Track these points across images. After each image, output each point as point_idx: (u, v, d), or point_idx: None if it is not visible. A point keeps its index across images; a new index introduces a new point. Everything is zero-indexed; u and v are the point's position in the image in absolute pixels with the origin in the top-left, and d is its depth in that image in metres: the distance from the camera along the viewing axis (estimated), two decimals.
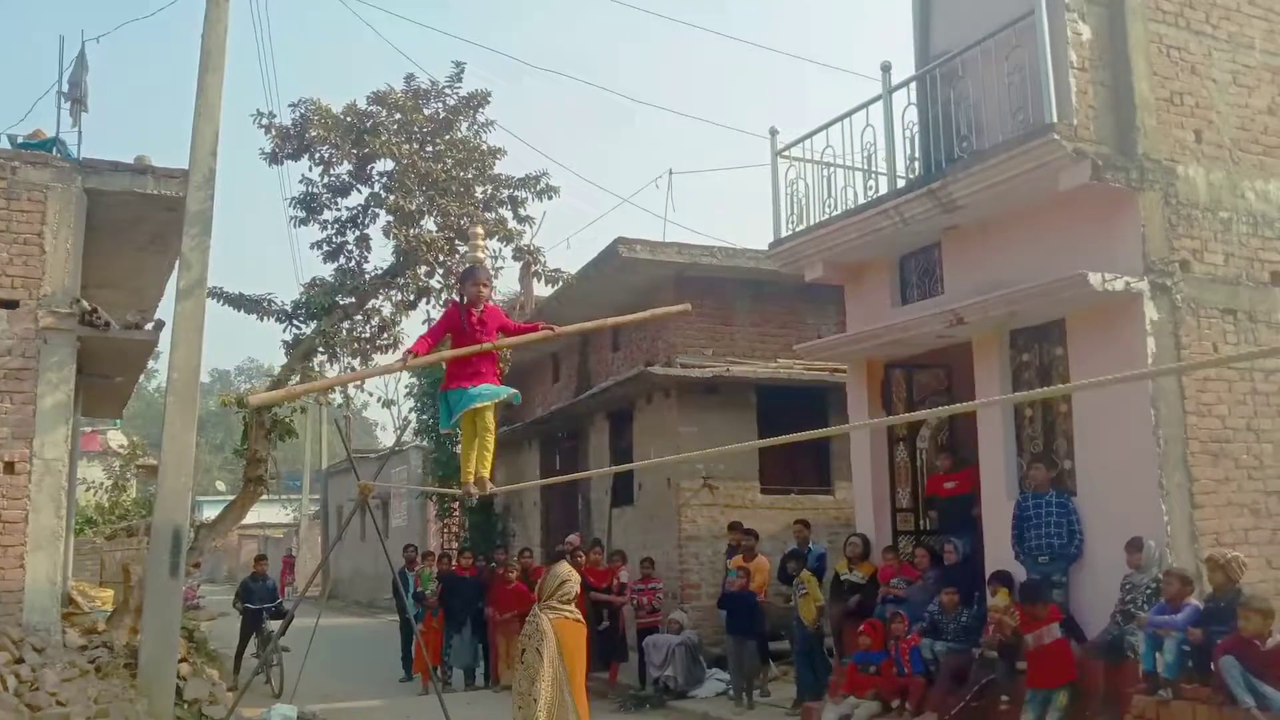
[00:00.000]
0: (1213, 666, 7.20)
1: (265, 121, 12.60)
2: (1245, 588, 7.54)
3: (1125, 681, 7.92)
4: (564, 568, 6.29)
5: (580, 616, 6.10)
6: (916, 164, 10.45)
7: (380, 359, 13.20)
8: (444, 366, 6.19)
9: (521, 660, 5.75)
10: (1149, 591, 7.99)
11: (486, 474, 6.18)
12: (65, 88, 11.49)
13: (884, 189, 10.53)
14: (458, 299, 6.29)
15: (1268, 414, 8.91)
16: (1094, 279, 8.35)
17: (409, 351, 5.93)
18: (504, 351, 6.48)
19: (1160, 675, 7.53)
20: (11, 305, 9.94)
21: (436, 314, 13.61)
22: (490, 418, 6.06)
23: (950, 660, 9.31)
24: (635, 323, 7.37)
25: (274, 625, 13.73)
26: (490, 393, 6.00)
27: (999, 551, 9.52)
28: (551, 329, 6.27)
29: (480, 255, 6.22)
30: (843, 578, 10.92)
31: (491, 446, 6.16)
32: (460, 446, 6.41)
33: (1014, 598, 9.09)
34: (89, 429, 27.90)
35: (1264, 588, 8.12)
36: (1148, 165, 8.73)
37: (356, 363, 13.12)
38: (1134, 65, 8.91)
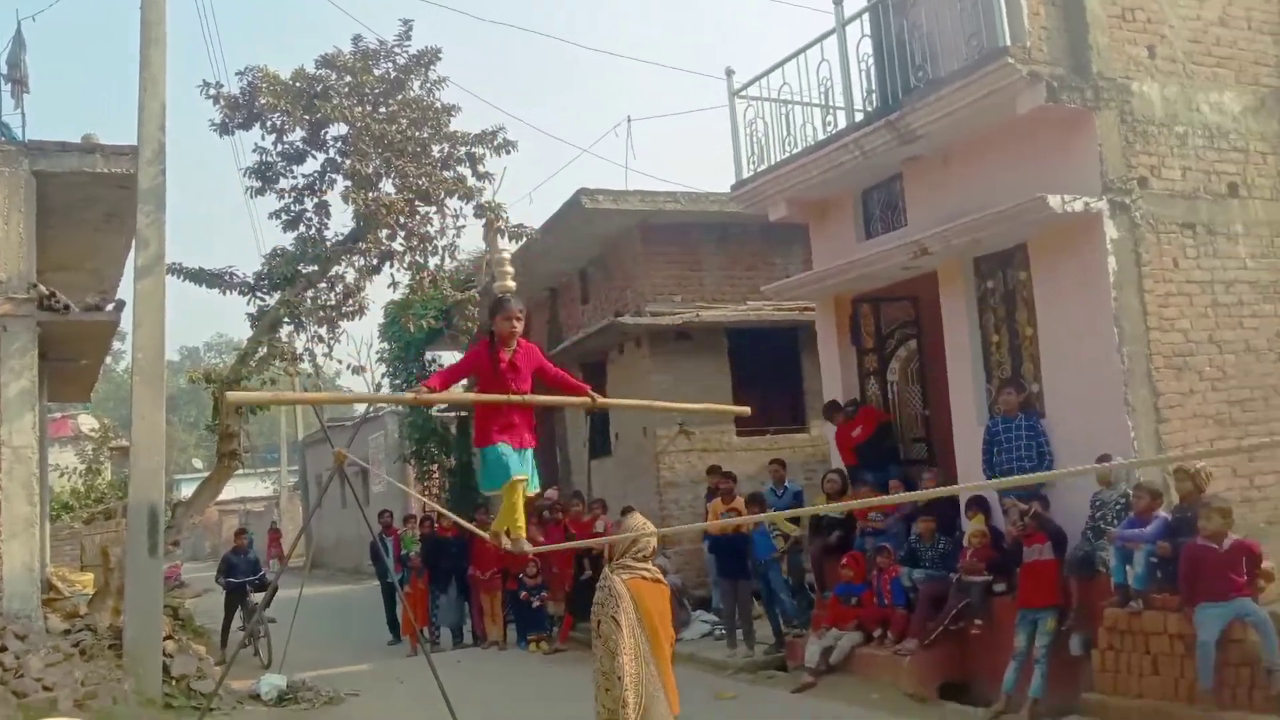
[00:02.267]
0: (1179, 574, 7.35)
1: (213, 92, 12.34)
2: (1209, 495, 7.68)
3: (1098, 596, 8.08)
4: (637, 519, 5.41)
5: (660, 575, 5.20)
6: (874, 96, 10.39)
7: (347, 325, 13.10)
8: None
9: (598, 633, 4.86)
10: (1118, 507, 8.12)
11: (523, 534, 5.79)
12: (4, 69, 11.23)
13: (842, 124, 10.50)
14: (487, 336, 5.49)
15: (1229, 325, 9.01)
16: (1053, 201, 8.37)
17: (423, 385, 5.32)
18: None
19: (1131, 587, 7.69)
20: None
21: (401, 278, 13.52)
22: (520, 493, 5.48)
23: (928, 587, 9.46)
24: (689, 413, 6.70)
25: (258, 598, 13.74)
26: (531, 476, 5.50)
27: (971, 477, 9.62)
28: (594, 399, 5.55)
29: (510, 284, 5.41)
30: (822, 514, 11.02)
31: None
32: (509, 503, 5.59)
33: (990, 522, 9.24)
34: (58, 414, 27.63)
35: (1230, 495, 8.27)
36: (1102, 84, 8.73)
37: (323, 331, 13.01)
38: None
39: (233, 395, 6.86)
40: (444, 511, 10.97)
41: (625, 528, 5.28)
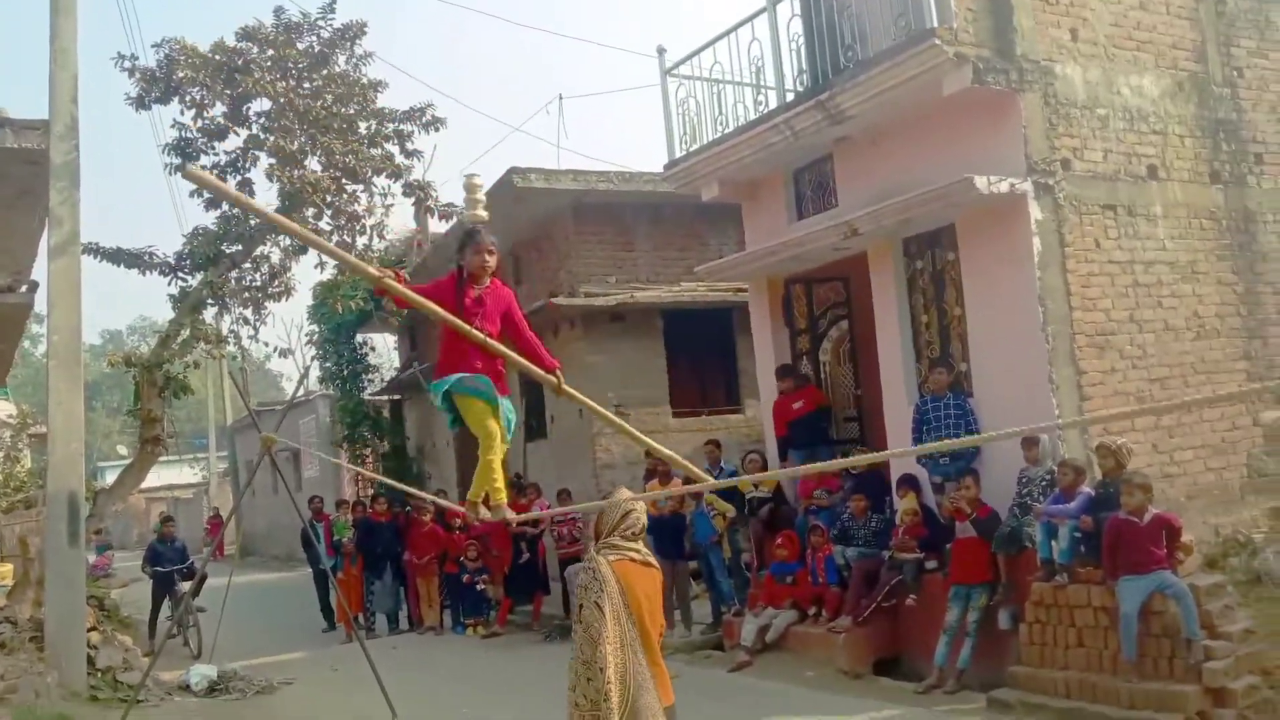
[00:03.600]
0: (1102, 548, 7.53)
1: (128, 65, 11.97)
2: (1129, 471, 7.86)
3: (1025, 571, 8.25)
4: (624, 494, 4.90)
5: (650, 557, 4.77)
6: (804, 76, 10.41)
7: (273, 306, 12.85)
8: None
9: (579, 619, 4.49)
10: (1044, 484, 8.29)
11: (504, 498, 5.18)
12: None
13: (774, 103, 10.50)
14: (456, 268, 4.98)
15: (1149, 305, 9.23)
16: (980, 182, 8.47)
17: (393, 272, 4.62)
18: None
19: (1056, 562, 7.86)
20: None
21: (327, 259, 13.26)
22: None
23: (861, 564, 9.58)
24: (628, 434, 5.91)
25: (186, 586, 13.45)
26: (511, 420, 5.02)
27: (902, 456, 9.76)
28: (559, 380, 4.96)
29: (481, 213, 4.68)
30: (748, 495, 11.09)
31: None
32: (489, 458, 5.02)
33: (921, 500, 9.38)
34: None
35: (1151, 471, 8.49)
36: (1026, 66, 8.84)
37: (249, 313, 12.74)
38: None
39: (192, 170, 5.82)
40: (398, 485, 10.74)
41: (611, 505, 4.80)
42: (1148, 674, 7.19)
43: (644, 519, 4.82)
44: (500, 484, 5.08)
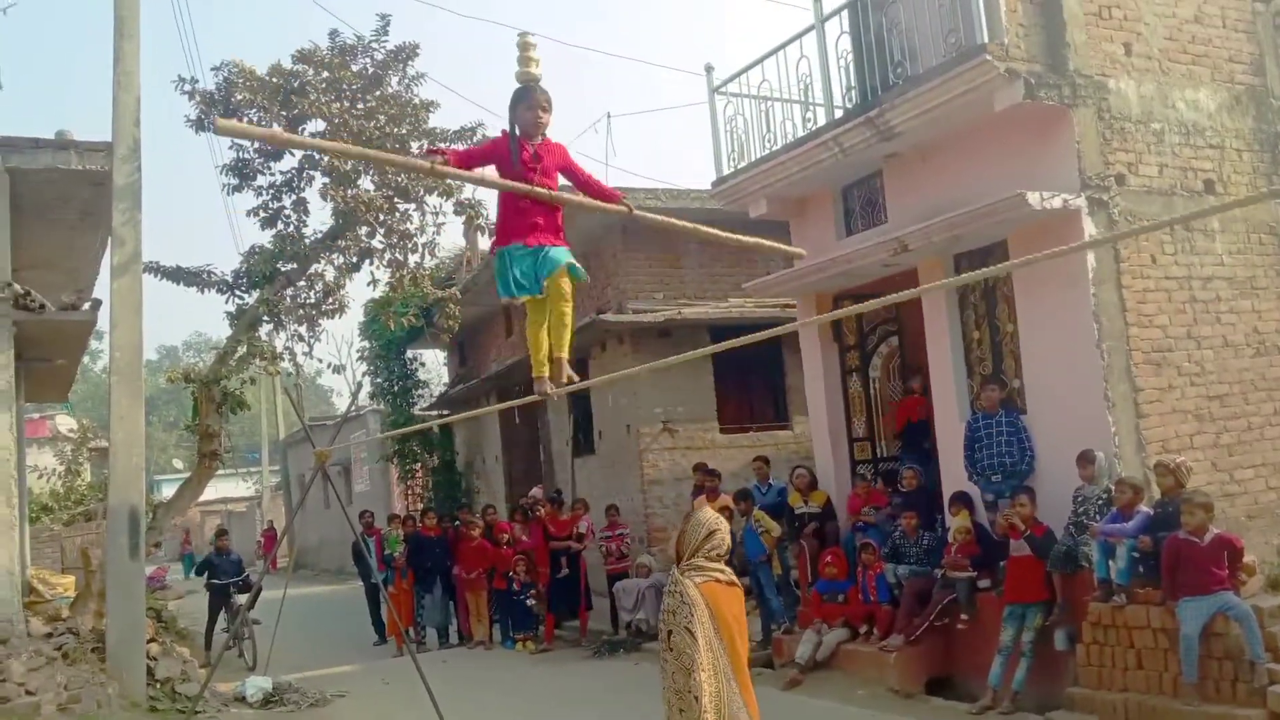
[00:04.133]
0: (1161, 568, 7.41)
1: (188, 87, 12.27)
2: (1189, 490, 7.73)
3: (1081, 590, 8.13)
4: (708, 514, 4.67)
5: (735, 577, 4.57)
6: (853, 93, 10.40)
7: (327, 323, 13.06)
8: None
9: (669, 645, 4.29)
10: (1100, 502, 8.17)
11: (567, 355, 4.93)
12: None
13: (822, 120, 10.50)
14: (509, 128, 4.80)
15: (1206, 321, 9.08)
16: (1032, 198, 8.40)
17: (439, 153, 4.51)
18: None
19: (1114, 582, 7.75)
20: None
21: (381, 275, 13.47)
22: (569, 286, 4.80)
23: (913, 583, 9.50)
24: (738, 245, 5.65)
25: (242, 599, 13.67)
26: (569, 258, 4.78)
27: (955, 473, 9.67)
28: (630, 207, 4.90)
29: (534, 70, 4.59)
30: (797, 510, 11.04)
31: (572, 322, 4.94)
32: (527, 327, 4.99)
33: (974, 518, 9.28)
34: (36, 415, 27.35)
35: (1210, 489, 8.34)
36: (1079, 81, 8.77)
37: (303, 329, 12.96)
38: None
39: (224, 123, 5.32)
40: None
41: (695, 523, 4.58)
42: (1209, 697, 7.05)
43: (729, 540, 4.65)
44: (542, 354, 4.92)
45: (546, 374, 4.95)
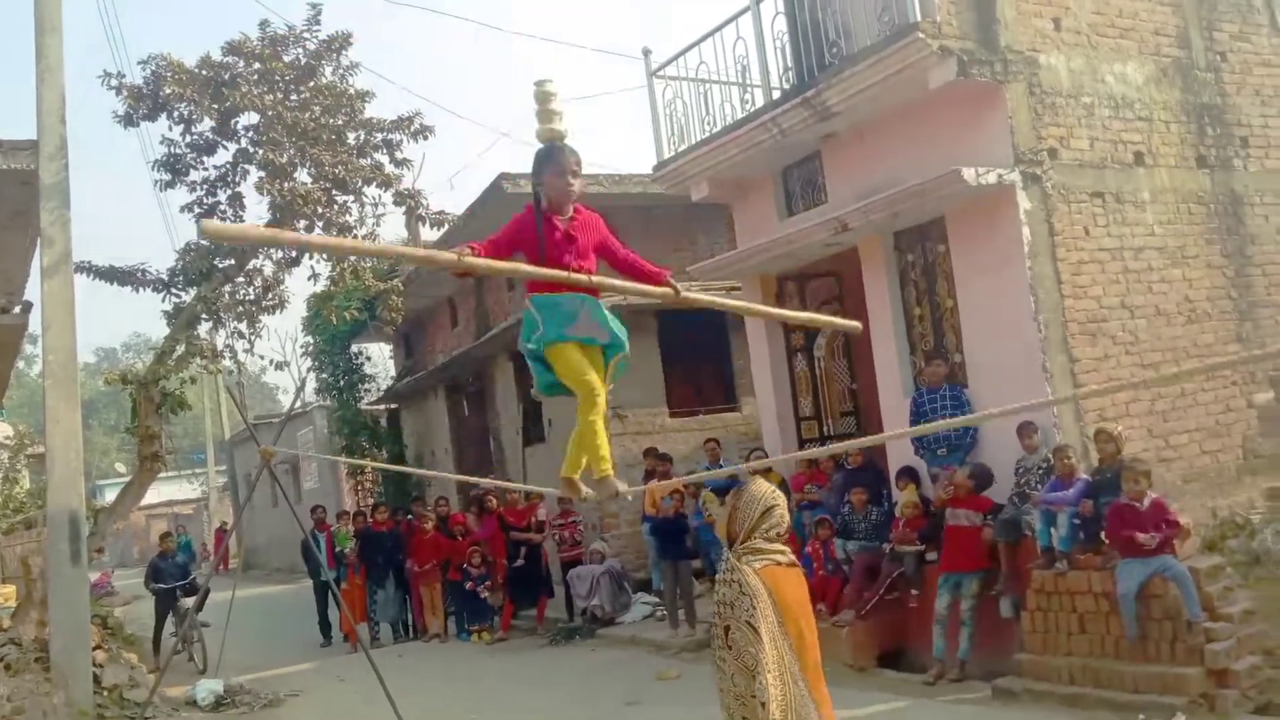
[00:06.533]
0: (1102, 535, 7.58)
1: (115, 82, 11.96)
2: (1128, 456, 7.91)
3: (1025, 559, 8.28)
4: (763, 487, 3.98)
5: (795, 559, 3.94)
6: (790, 74, 10.45)
7: (267, 319, 12.86)
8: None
9: (726, 643, 3.68)
10: (1041, 471, 8.33)
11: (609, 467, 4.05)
12: None
13: (760, 102, 10.54)
14: (534, 199, 4.01)
15: (1139, 290, 9.28)
16: (968, 174, 8.51)
17: (468, 246, 3.70)
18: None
19: (1056, 549, 7.91)
20: None
21: (321, 270, 13.27)
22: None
23: (862, 558, 9.61)
24: (796, 321, 4.76)
25: (189, 602, 13.46)
26: (621, 336, 3.98)
27: (900, 448, 9.80)
28: (676, 288, 4.03)
29: (558, 126, 3.58)
30: None
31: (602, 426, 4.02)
32: (581, 420, 3.98)
33: (920, 491, 9.42)
34: None
35: (1147, 455, 8.54)
36: (1010, 57, 8.88)
37: (244, 326, 12.74)
38: None
39: (208, 225, 4.58)
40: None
41: (748, 498, 3.93)
42: (1150, 657, 7.24)
43: (788, 517, 4.02)
44: (605, 450, 4.00)
45: (577, 475, 4.12)
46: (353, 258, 12.99)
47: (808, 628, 3.79)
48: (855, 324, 4.78)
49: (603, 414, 3.98)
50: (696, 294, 4.40)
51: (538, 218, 3.92)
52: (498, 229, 3.96)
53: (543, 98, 4.08)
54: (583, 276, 3.85)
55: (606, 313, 3.94)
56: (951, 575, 8.59)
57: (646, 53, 11.57)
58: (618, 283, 4.04)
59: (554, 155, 3.98)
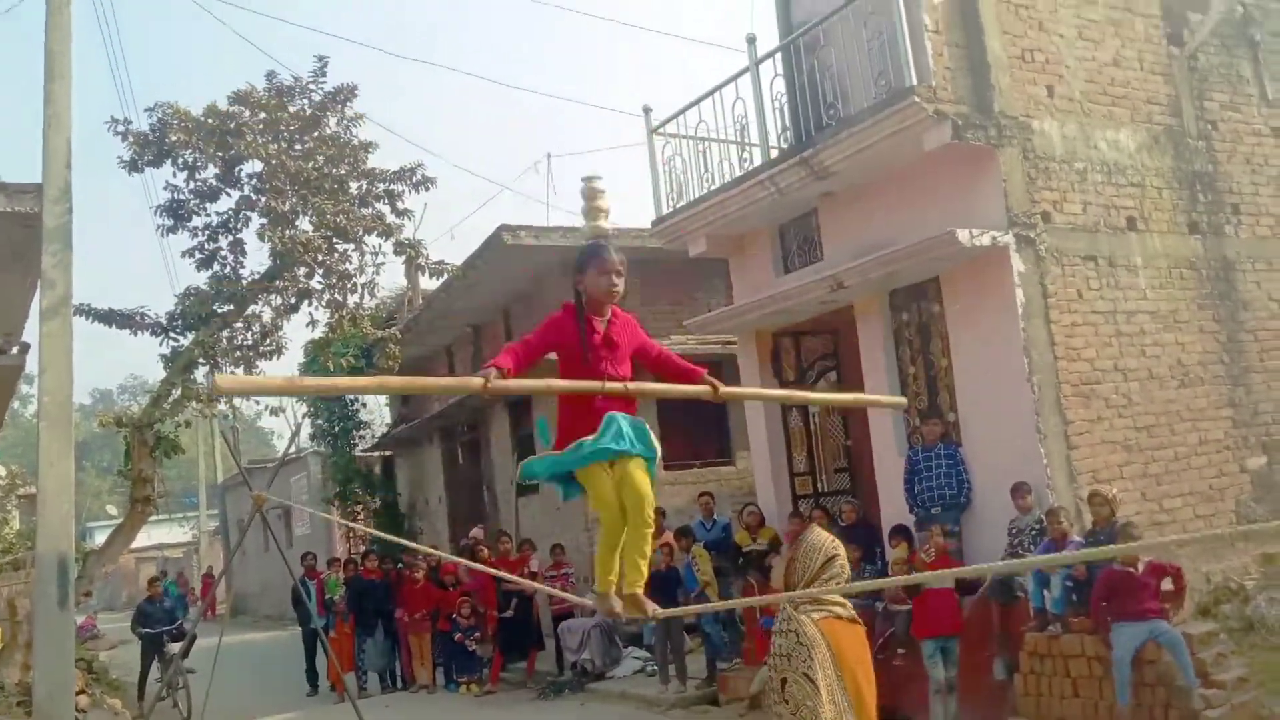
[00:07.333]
0: (1092, 597, 7.55)
1: (121, 129, 12.11)
2: (1121, 520, 7.91)
3: (1018, 620, 8.25)
4: (823, 536, 3.88)
5: (855, 613, 3.83)
6: (788, 134, 10.60)
7: (265, 365, 12.88)
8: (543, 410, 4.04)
9: (783, 697, 3.56)
10: (1034, 533, 8.32)
11: (642, 585, 3.79)
12: None
13: (758, 160, 10.67)
14: (574, 297, 3.90)
15: (1132, 354, 9.34)
16: (962, 236, 8.61)
17: (495, 367, 3.53)
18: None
19: (1050, 611, 7.87)
20: None
21: (320, 316, 13.32)
22: (650, 487, 3.72)
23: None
24: (841, 403, 4.60)
25: (176, 647, 13.32)
26: (652, 447, 3.78)
27: (894, 506, 9.79)
28: (715, 387, 3.85)
29: (603, 224, 3.37)
30: (745, 549, 11.07)
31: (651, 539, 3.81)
32: (599, 539, 3.92)
33: (914, 549, 9.37)
34: None
35: (1140, 519, 8.53)
36: (1005, 122, 9.03)
37: (240, 371, 12.75)
38: (985, 25, 9.18)
39: (222, 379, 4.76)
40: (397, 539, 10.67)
41: (808, 547, 3.81)
42: None
43: (847, 566, 3.84)
44: (644, 568, 3.84)
45: (614, 592, 3.91)
46: (351, 303, 13.06)
47: (868, 688, 3.64)
48: (901, 400, 4.73)
49: (655, 527, 3.80)
50: (734, 389, 4.27)
51: (580, 320, 3.77)
52: (532, 330, 3.86)
53: (590, 194, 4.11)
54: (617, 386, 3.69)
55: (637, 428, 3.75)
56: (933, 640, 8.49)
57: (647, 110, 11.75)
58: (657, 386, 3.95)
59: (599, 253, 3.89)
